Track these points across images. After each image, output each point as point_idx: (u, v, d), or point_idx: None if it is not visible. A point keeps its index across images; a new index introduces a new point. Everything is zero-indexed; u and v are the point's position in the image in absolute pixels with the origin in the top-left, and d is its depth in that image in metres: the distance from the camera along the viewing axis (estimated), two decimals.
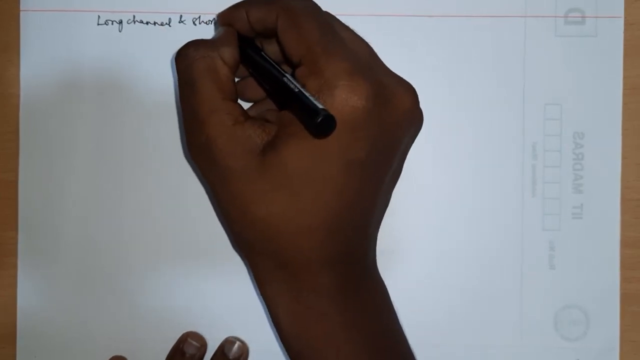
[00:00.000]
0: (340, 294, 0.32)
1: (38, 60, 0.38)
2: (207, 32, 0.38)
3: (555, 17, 0.38)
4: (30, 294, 0.38)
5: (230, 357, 0.38)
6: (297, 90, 0.30)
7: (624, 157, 0.38)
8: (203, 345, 0.38)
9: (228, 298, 0.39)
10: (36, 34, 0.38)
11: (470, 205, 0.38)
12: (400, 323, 0.35)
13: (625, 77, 0.38)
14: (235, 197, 0.31)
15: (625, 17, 0.38)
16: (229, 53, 0.32)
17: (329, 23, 0.32)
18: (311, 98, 0.30)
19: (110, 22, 0.38)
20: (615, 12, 0.38)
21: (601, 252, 0.38)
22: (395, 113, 0.31)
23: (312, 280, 0.32)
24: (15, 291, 0.39)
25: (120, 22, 0.38)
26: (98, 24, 0.38)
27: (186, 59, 0.32)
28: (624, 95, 0.38)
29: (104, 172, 0.38)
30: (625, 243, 0.39)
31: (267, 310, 0.34)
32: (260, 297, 0.37)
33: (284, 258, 0.31)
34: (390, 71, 0.33)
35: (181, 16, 0.38)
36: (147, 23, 0.38)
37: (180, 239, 0.38)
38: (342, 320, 0.32)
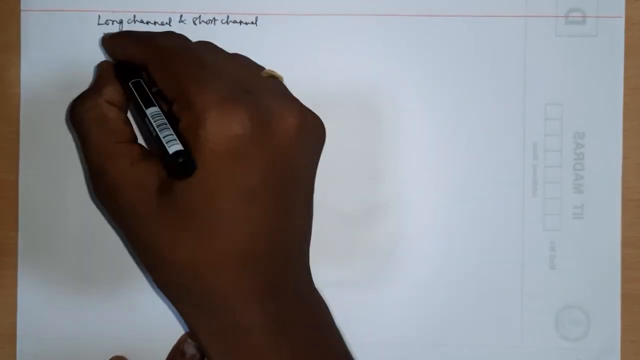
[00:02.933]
0: (274, 329, 0.31)
1: (39, 60, 0.38)
2: (207, 32, 0.38)
3: (556, 17, 0.38)
4: (30, 294, 0.38)
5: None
6: (155, 134, 0.30)
7: (624, 157, 0.38)
8: None
9: None
10: (37, 34, 0.38)
11: (471, 205, 0.38)
12: (344, 339, 0.34)
13: (626, 77, 0.38)
14: (140, 240, 0.31)
15: (626, 17, 0.38)
16: (112, 94, 0.33)
17: (199, 55, 0.32)
18: (167, 139, 0.29)
19: (110, 22, 0.38)
20: (616, 12, 0.38)
21: (602, 252, 0.38)
22: (281, 133, 0.30)
23: (237, 318, 0.30)
24: (15, 291, 0.38)
25: (121, 21, 0.38)
26: (99, 24, 0.38)
27: (75, 115, 0.33)
28: (625, 95, 0.38)
29: None
30: (626, 243, 0.38)
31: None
32: None
33: (203, 298, 0.31)
34: (277, 90, 0.33)
35: (181, 16, 0.38)
36: (147, 23, 0.38)
37: None
38: (280, 357, 0.31)
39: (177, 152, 0.29)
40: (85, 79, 0.38)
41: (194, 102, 0.29)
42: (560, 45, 0.38)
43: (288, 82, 0.34)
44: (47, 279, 0.38)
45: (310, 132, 0.32)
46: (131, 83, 0.33)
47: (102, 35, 0.37)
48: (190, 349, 0.38)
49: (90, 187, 0.36)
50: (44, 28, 0.38)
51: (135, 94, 0.32)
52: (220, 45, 0.38)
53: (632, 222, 0.39)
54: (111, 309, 0.38)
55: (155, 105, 0.32)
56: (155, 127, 0.30)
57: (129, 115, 0.35)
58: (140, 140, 0.34)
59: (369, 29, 0.38)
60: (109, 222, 0.38)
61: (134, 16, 0.38)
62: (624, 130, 0.38)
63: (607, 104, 0.38)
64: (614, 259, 0.38)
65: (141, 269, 0.38)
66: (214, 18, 0.38)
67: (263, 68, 0.34)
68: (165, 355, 0.39)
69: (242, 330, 0.30)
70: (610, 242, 0.38)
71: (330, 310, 0.34)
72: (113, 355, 0.39)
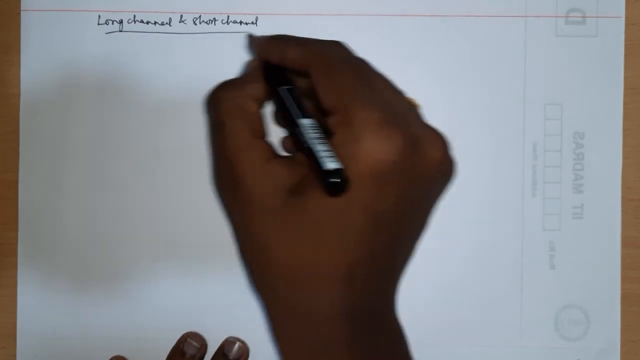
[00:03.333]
0: (355, 346, 0.31)
1: (38, 60, 0.38)
2: (207, 31, 0.38)
3: (556, 17, 0.38)
4: (30, 294, 0.38)
5: (231, 358, 0.38)
6: (306, 146, 0.30)
7: (624, 157, 0.38)
8: (203, 345, 0.38)
9: (228, 298, 0.38)
10: (37, 34, 0.38)
11: (471, 205, 0.38)
12: None
13: (625, 77, 0.38)
14: (257, 236, 0.31)
15: (625, 17, 0.38)
16: (257, 90, 0.33)
17: (364, 71, 0.32)
18: (324, 154, 0.29)
19: (110, 22, 0.38)
20: (615, 12, 0.38)
21: (602, 252, 0.38)
22: (425, 165, 0.30)
23: (326, 331, 0.31)
24: (15, 291, 0.38)
25: (121, 21, 0.38)
26: (98, 24, 0.38)
27: (215, 101, 0.32)
28: (625, 95, 0.38)
29: (103, 172, 0.38)
30: (625, 243, 0.38)
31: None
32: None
33: (298, 304, 0.31)
34: (423, 121, 0.32)
35: (181, 16, 0.38)
36: (147, 22, 0.38)
37: (180, 239, 0.38)
38: None
39: (336, 170, 0.28)
40: (85, 79, 0.38)
41: (354, 119, 0.29)
42: (560, 45, 0.38)
43: None
44: (46, 279, 0.38)
45: (448, 167, 0.32)
46: (283, 89, 0.33)
47: (249, 35, 0.37)
48: (190, 349, 0.38)
49: (212, 174, 0.35)
50: (43, 28, 0.38)
51: (289, 100, 0.32)
52: (220, 47, 0.38)
53: (631, 222, 0.39)
54: (111, 309, 0.38)
55: (310, 117, 0.31)
56: (311, 139, 0.30)
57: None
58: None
59: (369, 28, 0.38)
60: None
61: (134, 16, 0.38)
62: (624, 130, 0.38)
63: (606, 104, 0.38)
64: (614, 259, 0.38)
65: (141, 268, 0.38)
66: (214, 18, 0.38)
67: (404, 93, 0.34)
68: (165, 355, 0.39)
69: (323, 344, 0.31)
70: (610, 242, 0.38)
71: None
72: (113, 355, 0.38)
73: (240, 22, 0.38)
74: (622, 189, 0.38)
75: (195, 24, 0.38)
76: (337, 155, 0.29)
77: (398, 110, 0.31)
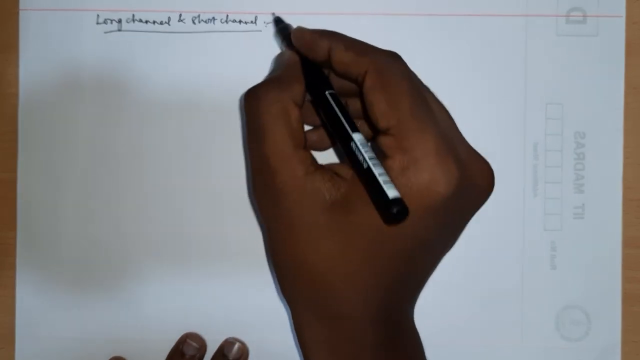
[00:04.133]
0: (379, 350, 0.31)
1: (37, 60, 0.38)
2: (206, 31, 0.38)
3: (557, 16, 0.38)
4: (29, 294, 0.38)
5: (230, 358, 0.38)
6: (366, 166, 0.29)
7: (625, 157, 0.38)
8: (202, 346, 0.38)
9: (228, 298, 0.38)
10: (35, 33, 0.38)
11: None
12: None
13: (626, 77, 0.38)
14: (296, 249, 0.30)
15: (626, 17, 0.38)
16: (299, 93, 0.31)
17: (421, 90, 0.30)
18: (384, 179, 0.28)
19: (109, 21, 0.38)
20: (616, 12, 0.38)
21: (603, 252, 0.38)
22: (475, 197, 0.31)
23: (353, 335, 0.31)
24: (14, 291, 0.38)
25: (120, 21, 0.38)
26: (97, 23, 0.38)
27: (256, 102, 0.31)
28: (626, 94, 0.38)
29: (103, 172, 0.38)
30: (626, 243, 0.38)
31: (300, 354, 0.33)
32: (262, 301, 0.37)
33: (329, 311, 0.31)
34: (467, 143, 0.31)
35: (180, 15, 0.38)
36: (146, 22, 0.38)
37: (180, 240, 0.38)
38: None
39: (396, 200, 0.27)
40: (84, 78, 0.38)
41: (414, 146, 0.28)
42: (560, 44, 0.38)
43: None
44: (45, 279, 0.38)
45: (489, 191, 0.32)
46: (331, 94, 0.31)
47: (277, 20, 0.35)
48: (189, 350, 0.38)
49: (250, 182, 0.34)
50: (42, 27, 0.38)
51: (340, 108, 0.31)
52: (220, 46, 0.38)
53: (632, 222, 0.38)
54: (110, 309, 0.38)
55: (359, 131, 0.30)
56: (368, 160, 0.29)
57: None
58: None
59: (368, 28, 0.38)
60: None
61: (133, 15, 0.38)
62: (625, 129, 0.38)
63: (607, 103, 0.38)
64: (615, 259, 0.38)
65: (141, 269, 0.38)
66: (214, 17, 0.38)
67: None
68: (165, 355, 0.38)
69: (353, 344, 0.31)
70: (611, 242, 0.38)
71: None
72: (112, 355, 0.38)
73: (240, 22, 0.38)
74: (623, 188, 0.38)
75: (194, 23, 0.38)
76: (392, 179, 0.28)
77: (451, 136, 0.30)
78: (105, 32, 0.38)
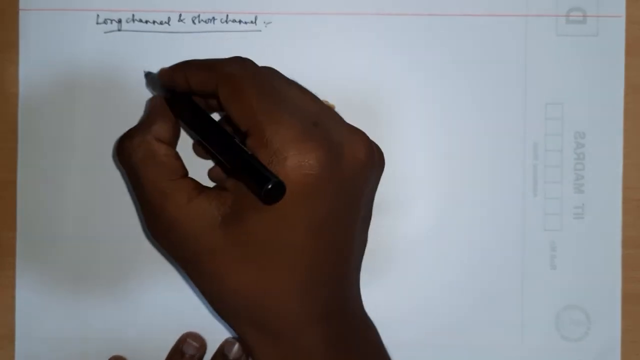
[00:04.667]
0: (330, 350, 0.31)
1: (37, 60, 0.38)
2: (206, 30, 0.38)
3: (557, 16, 0.38)
4: (28, 294, 0.38)
5: (231, 358, 0.38)
6: (233, 166, 0.30)
7: (625, 157, 0.38)
8: (202, 345, 0.38)
9: None
10: (35, 33, 0.38)
11: (472, 205, 0.38)
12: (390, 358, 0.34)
13: (626, 77, 0.38)
14: (205, 273, 0.31)
15: (626, 16, 0.38)
16: (164, 130, 0.32)
17: (271, 85, 0.31)
18: (253, 166, 0.29)
19: (109, 21, 0.38)
20: (616, 11, 0.38)
21: (602, 253, 0.38)
22: (351, 167, 0.31)
23: (299, 342, 0.31)
24: (13, 291, 0.38)
25: (120, 20, 0.38)
26: (97, 23, 0.38)
27: (123, 153, 0.32)
28: (626, 94, 0.38)
29: (102, 172, 0.38)
30: (626, 243, 0.38)
31: None
32: None
33: (267, 324, 0.31)
34: (339, 121, 0.32)
35: (180, 15, 0.38)
36: (146, 22, 0.38)
37: None
38: None
39: (268, 177, 0.28)
40: (84, 78, 0.38)
41: (270, 140, 0.29)
42: (560, 44, 0.38)
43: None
44: (45, 279, 0.38)
45: (375, 162, 0.32)
46: (198, 117, 0.32)
47: (147, 73, 0.37)
48: (189, 349, 0.38)
49: (144, 225, 0.35)
50: (42, 27, 0.38)
51: (205, 127, 0.32)
52: (219, 46, 0.38)
53: (632, 222, 0.38)
54: (110, 309, 0.38)
55: (232, 137, 0.31)
56: (236, 159, 0.30)
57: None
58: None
59: (368, 28, 0.38)
60: (166, 257, 0.38)
61: (133, 15, 0.38)
62: (625, 129, 0.38)
63: (607, 103, 0.38)
64: (615, 259, 0.38)
65: (140, 268, 0.38)
66: (213, 17, 0.38)
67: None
68: (165, 355, 0.38)
69: (303, 353, 0.31)
70: (611, 242, 0.38)
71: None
72: (112, 355, 0.38)
73: (240, 21, 0.38)
74: (623, 188, 0.38)
75: (194, 23, 0.38)
76: None
77: (314, 118, 0.31)
78: (105, 32, 0.38)
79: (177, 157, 0.32)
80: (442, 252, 0.38)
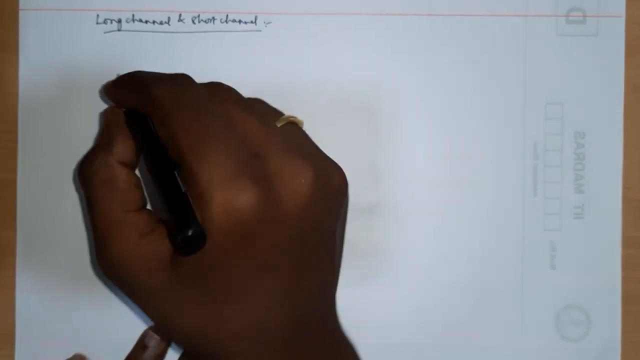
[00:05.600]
0: None
1: (37, 60, 0.38)
2: (206, 30, 0.38)
3: (557, 16, 0.38)
4: (28, 294, 0.38)
5: (150, 347, 0.37)
6: (168, 194, 0.27)
7: (625, 157, 0.38)
8: (165, 339, 0.37)
9: None
10: (35, 33, 0.38)
11: (471, 205, 0.38)
12: None
13: (626, 77, 0.38)
14: (156, 313, 0.30)
15: (626, 17, 0.38)
16: (125, 150, 0.30)
17: (204, 114, 0.28)
18: (175, 210, 0.27)
19: (109, 21, 0.38)
20: (616, 12, 0.38)
21: (602, 253, 0.38)
22: (291, 199, 0.28)
23: None
24: (13, 291, 0.38)
25: (119, 20, 0.38)
26: (97, 23, 0.38)
27: (83, 175, 0.30)
28: (626, 94, 0.38)
29: None
30: (626, 243, 0.38)
31: None
32: None
33: None
34: (287, 149, 0.29)
35: (180, 15, 0.38)
36: (146, 22, 0.38)
37: None
38: None
39: (186, 226, 0.26)
40: (84, 78, 0.38)
41: (197, 179, 0.27)
42: (560, 44, 0.38)
43: (287, 82, 0.34)
44: (45, 279, 0.38)
45: (324, 187, 0.29)
46: (144, 134, 0.30)
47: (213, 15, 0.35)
48: (151, 342, 0.37)
49: (92, 254, 0.34)
50: (42, 27, 0.38)
51: (148, 151, 0.30)
52: (219, 46, 0.38)
53: (632, 222, 0.38)
54: (110, 310, 0.38)
55: (169, 167, 0.28)
56: (164, 195, 0.28)
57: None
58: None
59: (368, 28, 0.38)
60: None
61: (133, 15, 0.38)
62: (625, 129, 0.38)
63: (607, 103, 0.38)
64: (615, 259, 0.38)
65: None
66: (213, 17, 0.38)
67: (282, 114, 0.32)
68: (176, 356, 0.38)
69: None
70: (611, 242, 0.38)
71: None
72: (113, 355, 0.38)
73: (240, 21, 0.38)
74: (623, 189, 0.38)
75: (194, 23, 0.38)
76: (194, 211, 0.27)
77: (256, 148, 0.28)
78: (105, 32, 0.38)
79: (137, 185, 0.30)
80: (442, 252, 0.38)
